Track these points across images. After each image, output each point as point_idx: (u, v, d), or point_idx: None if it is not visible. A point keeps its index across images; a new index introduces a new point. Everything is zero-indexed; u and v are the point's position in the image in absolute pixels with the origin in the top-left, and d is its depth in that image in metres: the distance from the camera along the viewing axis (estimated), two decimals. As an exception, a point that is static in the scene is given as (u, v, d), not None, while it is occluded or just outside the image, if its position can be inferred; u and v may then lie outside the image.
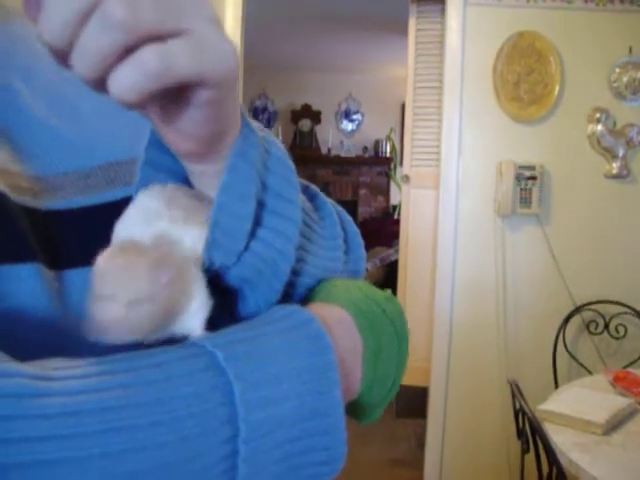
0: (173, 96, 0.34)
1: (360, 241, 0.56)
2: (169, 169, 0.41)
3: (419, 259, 2.97)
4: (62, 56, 0.30)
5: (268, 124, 6.81)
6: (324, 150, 7.01)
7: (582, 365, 2.63)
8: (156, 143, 0.40)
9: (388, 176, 7.05)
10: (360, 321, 0.44)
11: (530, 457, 1.71)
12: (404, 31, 3.13)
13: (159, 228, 0.37)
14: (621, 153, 2.68)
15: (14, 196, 0.40)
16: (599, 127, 2.67)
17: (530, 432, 1.69)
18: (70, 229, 0.43)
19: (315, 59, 6.42)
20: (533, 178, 2.67)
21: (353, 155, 7.06)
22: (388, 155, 7.01)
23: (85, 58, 0.30)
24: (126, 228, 0.38)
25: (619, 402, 1.77)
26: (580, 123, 2.70)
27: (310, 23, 5.08)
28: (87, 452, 0.29)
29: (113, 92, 0.30)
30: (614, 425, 1.67)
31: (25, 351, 0.32)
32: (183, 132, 0.36)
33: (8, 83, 0.45)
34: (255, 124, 0.42)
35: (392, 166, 6.97)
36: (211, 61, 0.32)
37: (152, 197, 0.39)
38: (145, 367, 0.33)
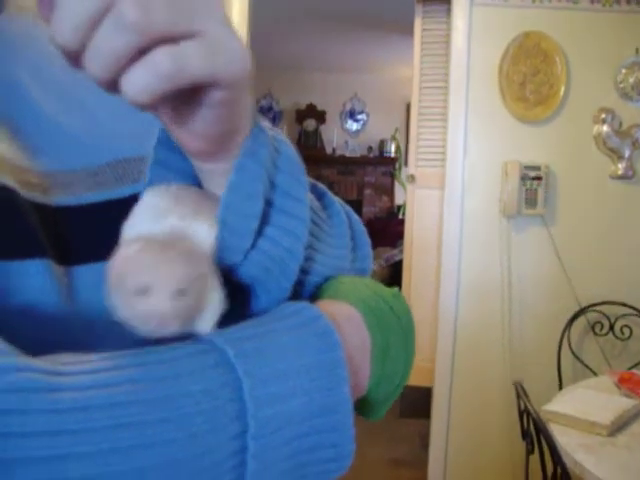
0: (185, 97, 0.34)
1: (367, 240, 0.56)
2: (179, 168, 0.41)
3: (424, 259, 2.97)
4: (74, 57, 0.31)
5: (273, 124, 6.70)
6: (329, 150, 7.01)
7: (587, 366, 2.62)
8: (166, 142, 0.41)
9: (393, 176, 7.05)
10: (368, 318, 0.44)
11: (534, 458, 1.70)
12: (410, 31, 3.13)
13: (168, 225, 0.37)
14: (627, 154, 2.67)
15: (24, 192, 0.40)
16: (605, 128, 2.66)
17: (535, 433, 1.69)
18: (79, 225, 0.43)
19: (320, 59, 6.42)
20: (538, 178, 2.66)
21: (358, 155, 7.06)
22: (393, 155, 7.00)
23: (98, 60, 0.30)
24: (134, 226, 0.38)
25: (624, 403, 1.77)
26: (586, 124, 2.70)
27: (315, 23, 5.08)
28: (96, 447, 0.29)
29: (126, 93, 0.30)
30: (619, 426, 1.66)
31: (34, 346, 0.33)
32: (194, 132, 0.36)
33: (17, 79, 0.45)
34: (265, 123, 0.42)
35: (397, 166, 6.97)
36: (224, 62, 0.32)
37: (158, 196, 0.39)
38: (154, 363, 0.33)
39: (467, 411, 2.82)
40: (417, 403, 3.38)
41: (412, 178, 3.00)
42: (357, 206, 6.94)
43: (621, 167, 2.69)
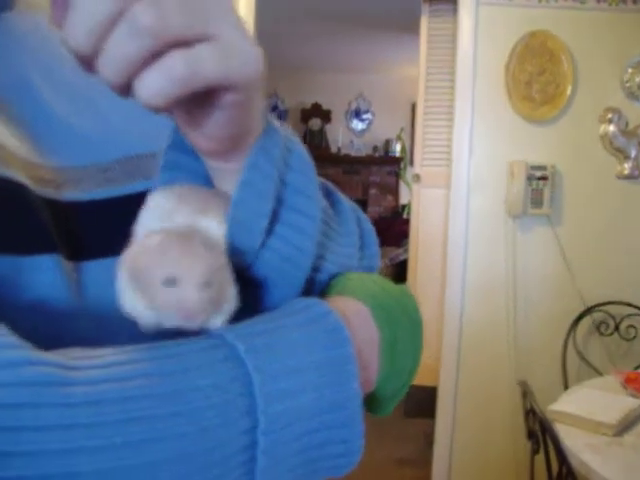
0: (199, 99, 0.34)
1: (375, 238, 0.56)
2: (191, 169, 0.42)
3: (429, 258, 2.97)
4: (87, 62, 0.31)
5: (278, 123, 6.80)
6: (334, 149, 7.01)
7: (592, 366, 2.62)
8: (178, 142, 0.41)
9: (398, 176, 7.04)
10: (376, 313, 0.44)
11: (539, 457, 1.70)
12: (416, 30, 3.13)
13: (177, 222, 0.37)
14: (633, 154, 2.66)
15: (37, 188, 0.40)
16: (611, 127, 2.65)
17: (540, 432, 1.68)
18: (89, 221, 0.44)
19: (326, 58, 6.42)
20: (544, 178, 2.65)
21: (363, 154, 7.06)
22: (398, 155, 6.99)
23: (112, 64, 0.30)
24: (144, 227, 0.38)
25: (630, 403, 1.76)
26: (592, 123, 2.69)
27: (321, 23, 5.08)
28: (109, 441, 0.29)
29: (140, 97, 0.31)
30: (625, 426, 1.66)
31: (44, 341, 0.33)
32: (207, 133, 0.37)
33: (29, 80, 0.45)
34: (277, 122, 0.42)
35: (402, 166, 6.96)
36: (237, 66, 0.32)
37: (162, 197, 0.39)
38: (165, 357, 0.33)
39: (472, 409, 2.82)
40: (422, 403, 3.37)
41: (418, 177, 3.00)
42: (362, 205, 6.94)
43: (627, 167, 2.68)
